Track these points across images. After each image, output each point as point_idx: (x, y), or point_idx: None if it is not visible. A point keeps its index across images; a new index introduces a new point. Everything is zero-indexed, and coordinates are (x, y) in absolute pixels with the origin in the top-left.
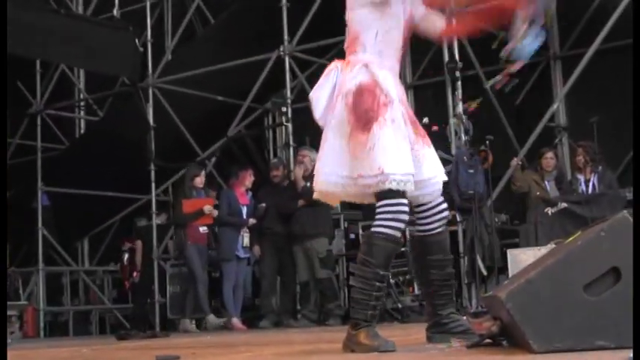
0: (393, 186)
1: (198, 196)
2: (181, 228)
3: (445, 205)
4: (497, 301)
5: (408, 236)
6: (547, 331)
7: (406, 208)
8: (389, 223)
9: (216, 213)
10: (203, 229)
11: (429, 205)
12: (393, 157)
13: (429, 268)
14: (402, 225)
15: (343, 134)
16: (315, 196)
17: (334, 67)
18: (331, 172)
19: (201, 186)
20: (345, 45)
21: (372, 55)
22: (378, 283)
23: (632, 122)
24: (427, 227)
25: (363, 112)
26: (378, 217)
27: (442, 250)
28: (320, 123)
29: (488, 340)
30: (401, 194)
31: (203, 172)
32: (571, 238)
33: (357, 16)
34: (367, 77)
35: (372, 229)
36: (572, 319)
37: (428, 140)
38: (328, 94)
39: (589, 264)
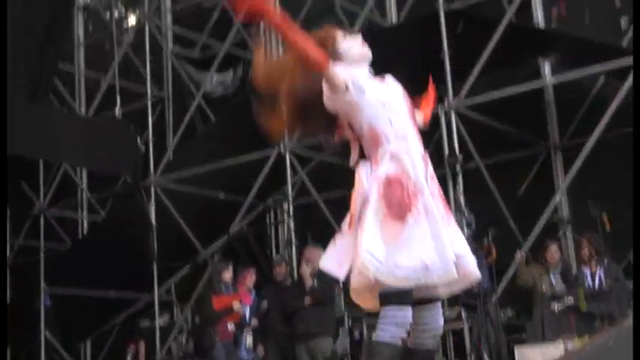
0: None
1: (227, 291)
2: (211, 325)
3: (441, 320)
4: None
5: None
6: None
7: (409, 315)
8: (391, 328)
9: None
10: (231, 327)
11: (427, 319)
12: (430, 249)
13: None
14: (403, 333)
15: (378, 220)
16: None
17: (363, 168)
18: (369, 254)
19: (230, 281)
20: (367, 153)
21: (397, 141)
22: None
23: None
24: (420, 339)
25: (396, 205)
26: (382, 321)
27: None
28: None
29: None
30: (408, 301)
31: (231, 267)
32: (578, 347)
33: (364, 117)
34: (394, 168)
35: (375, 336)
36: None
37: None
38: (363, 193)
39: None
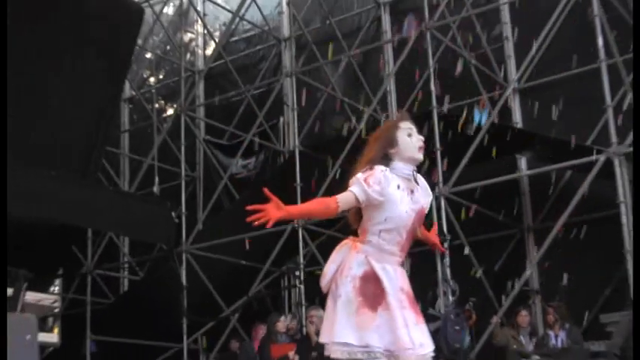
0: None
1: (283, 340)
2: None
3: None
4: None
5: None
6: None
7: None
8: None
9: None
10: None
11: None
12: (404, 333)
13: None
14: None
15: (351, 312)
16: (334, 356)
17: (345, 245)
18: (341, 340)
19: (284, 330)
20: (359, 229)
21: (374, 248)
22: None
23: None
24: None
25: (371, 296)
26: None
27: None
28: (324, 290)
29: None
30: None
31: (283, 318)
32: None
33: (366, 215)
34: (370, 267)
35: None
36: None
37: (421, 319)
38: (335, 268)
39: None
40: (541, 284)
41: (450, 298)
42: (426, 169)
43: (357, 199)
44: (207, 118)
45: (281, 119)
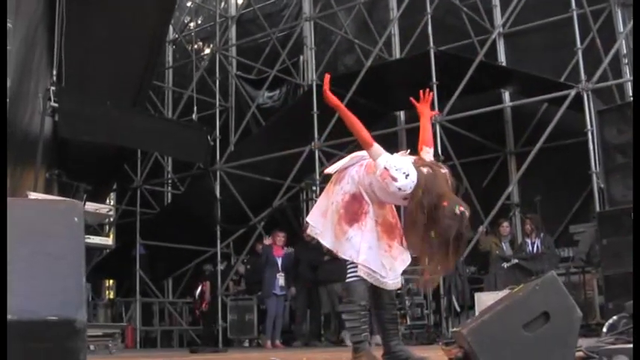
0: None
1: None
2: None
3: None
4: (461, 336)
5: (403, 283)
6: (496, 357)
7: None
8: (357, 273)
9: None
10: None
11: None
12: (362, 253)
13: (379, 310)
14: (364, 275)
15: (334, 217)
16: (308, 232)
17: (362, 158)
18: (324, 238)
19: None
20: (369, 157)
21: (368, 185)
22: (362, 312)
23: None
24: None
25: (352, 213)
26: (349, 270)
27: (389, 297)
28: (328, 171)
29: None
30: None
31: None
32: (516, 290)
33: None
34: (359, 191)
35: (347, 280)
36: (514, 349)
37: (401, 239)
38: (346, 166)
39: (527, 309)
40: (520, 199)
41: None
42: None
43: (373, 158)
44: (239, 56)
45: (301, 57)
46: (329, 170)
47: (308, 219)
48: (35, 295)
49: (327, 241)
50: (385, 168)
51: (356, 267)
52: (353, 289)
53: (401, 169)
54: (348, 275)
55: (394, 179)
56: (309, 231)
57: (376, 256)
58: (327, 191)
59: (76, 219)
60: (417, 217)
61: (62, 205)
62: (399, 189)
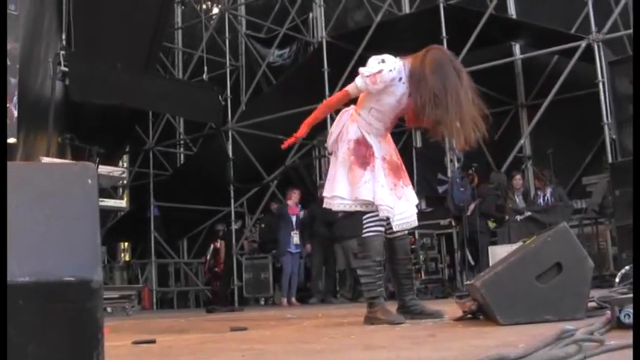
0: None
1: None
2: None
3: (406, 220)
4: (474, 288)
5: (417, 237)
6: (509, 309)
7: (383, 221)
8: (373, 228)
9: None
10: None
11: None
12: (377, 192)
13: (395, 265)
14: (382, 228)
15: (345, 166)
16: (329, 207)
17: (346, 112)
18: (337, 194)
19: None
20: (358, 100)
21: (364, 121)
22: (377, 268)
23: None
24: (393, 235)
25: (362, 157)
26: (365, 225)
27: (404, 252)
28: (329, 149)
29: (469, 315)
30: (376, 209)
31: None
32: (528, 242)
33: (364, 93)
34: (361, 135)
35: (363, 235)
36: (528, 300)
37: (408, 179)
38: (338, 131)
39: (539, 260)
40: (532, 152)
41: (456, 164)
42: None
43: (358, 88)
44: (248, 15)
45: (310, 15)
46: (329, 146)
47: (324, 193)
48: (51, 257)
49: (343, 193)
50: (366, 75)
51: (372, 221)
52: (369, 244)
53: (374, 62)
54: (364, 230)
55: (379, 71)
56: (326, 204)
57: (388, 194)
58: (332, 161)
59: (89, 181)
60: (425, 92)
61: (75, 168)
62: (390, 71)
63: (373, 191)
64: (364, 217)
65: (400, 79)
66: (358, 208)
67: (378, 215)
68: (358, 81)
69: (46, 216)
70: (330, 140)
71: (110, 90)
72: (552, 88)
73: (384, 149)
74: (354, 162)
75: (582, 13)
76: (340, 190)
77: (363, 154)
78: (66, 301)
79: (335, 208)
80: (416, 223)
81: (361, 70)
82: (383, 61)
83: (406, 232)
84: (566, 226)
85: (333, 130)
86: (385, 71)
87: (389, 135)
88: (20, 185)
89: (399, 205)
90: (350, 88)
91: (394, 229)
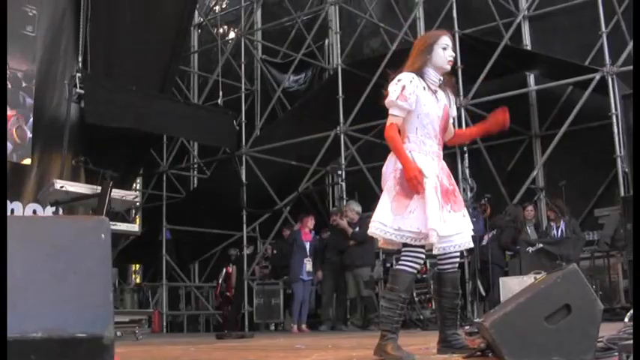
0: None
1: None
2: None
3: (457, 254)
4: (484, 327)
5: (429, 267)
6: (518, 350)
7: (422, 255)
8: (409, 263)
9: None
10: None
11: (446, 255)
12: (430, 219)
13: (441, 297)
14: (418, 266)
15: (390, 197)
16: (370, 231)
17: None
18: (378, 219)
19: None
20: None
21: (415, 143)
22: (400, 304)
23: (596, 182)
24: (442, 267)
25: (407, 187)
26: (403, 257)
27: (452, 286)
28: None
29: (478, 353)
30: (421, 245)
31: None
32: (538, 281)
33: (406, 120)
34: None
35: (397, 266)
36: (536, 341)
37: (459, 207)
38: (385, 168)
39: (549, 301)
40: (545, 183)
41: (469, 193)
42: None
43: (396, 115)
44: (264, 40)
45: (326, 41)
46: (382, 184)
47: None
48: (64, 312)
49: (384, 220)
50: (395, 99)
51: (410, 255)
52: (399, 278)
53: (393, 87)
54: (400, 261)
55: (402, 88)
56: (369, 229)
57: (437, 218)
58: None
59: (103, 235)
60: None
61: (89, 223)
62: (411, 81)
63: (420, 220)
64: (404, 249)
65: (424, 87)
66: (399, 239)
67: (418, 252)
68: (392, 110)
69: (62, 271)
70: (382, 179)
71: (125, 113)
72: (566, 119)
73: (438, 168)
74: (399, 192)
75: (597, 45)
76: (382, 215)
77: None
78: (77, 357)
79: (374, 233)
80: (464, 246)
81: (387, 100)
82: (399, 80)
83: (456, 265)
84: (576, 267)
85: (384, 170)
86: (407, 83)
87: (442, 161)
88: (38, 238)
89: (444, 228)
90: (389, 120)
91: (435, 253)
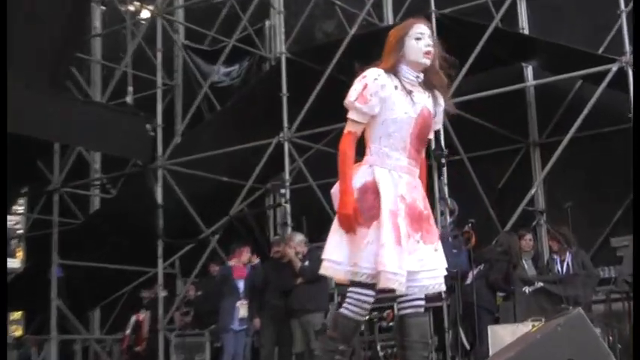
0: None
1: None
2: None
3: (422, 296)
4: None
5: (395, 313)
6: None
7: (370, 299)
8: (352, 307)
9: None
10: None
11: (409, 296)
12: (386, 255)
13: (406, 350)
14: (362, 311)
15: None
16: (321, 272)
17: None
18: (331, 261)
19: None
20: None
21: (377, 156)
22: (338, 356)
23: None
24: (405, 312)
25: (367, 209)
26: (347, 299)
27: (419, 334)
28: None
29: None
30: (371, 286)
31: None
32: (534, 329)
33: (372, 127)
34: (371, 177)
35: (339, 310)
36: None
37: (432, 238)
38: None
39: (547, 356)
40: (546, 204)
41: (448, 218)
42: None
43: (354, 120)
44: (187, 21)
45: (267, 23)
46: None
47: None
48: None
49: (339, 256)
50: (353, 100)
51: (356, 298)
52: (340, 324)
53: (355, 85)
54: (345, 304)
55: (364, 87)
56: (322, 271)
57: (393, 252)
58: None
59: None
60: None
61: None
62: (375, 79)
63: (375, 254)
64: (350, 289)
65: (396, 87)
66: (358, 279)
67: (365, 294)
68: (350, 114)
69: None
70: (335, 204)
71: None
72: (573, 123)
73: (407, 188)
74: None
75: (613, 29)
76: (334, 250)
77: (369, 206)
78: None
79: (327, 273)
80: (433, 289)
81: (346, 101)
82: (363, 76)
83: (422, 308)
84: (581, 311)
85: (333, 192)
86: (370, 82)
87: (418, 179)
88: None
89: (408, 262)
90: (347, 128)
91: (401, 299)
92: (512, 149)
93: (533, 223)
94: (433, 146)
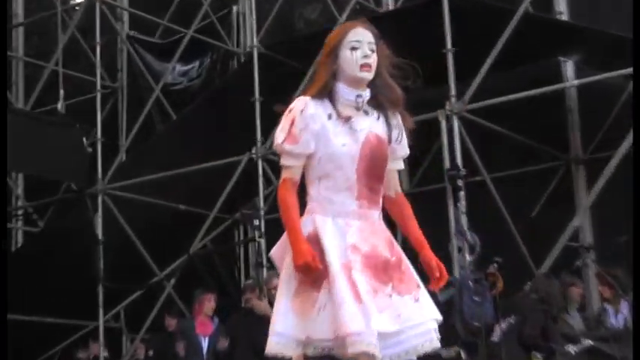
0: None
1: None
2: None
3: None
4: None
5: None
6: None
7: None
8: None
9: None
10: None
11: None
12: (347, 314)
13: None
14: None
15: (289, 293)
16: (267, 351)
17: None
18: (278, 335)
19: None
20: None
21: (317, 202)
22: None
23: None
24: None
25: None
26: None
27: None
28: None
29: None
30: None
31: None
32: None
33: (309, 167)
34: (312, 228)
35: None
36: None
37: (408, 287)
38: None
39: None
40: (595, 238)
41: (468, 256)
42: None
43: (286, 166)
44: (132, 7)
45: (234, 9)
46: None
47: None
48: None
49: (285, 328)
50: (281, 141)
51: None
52: None
53: (282, 120)
54: None
55: (291, 123)
56: (268, 349)
57: (355, 310)
58: None
59: None
60: None
61: None
62: (302, 111)
63: (330, 320)
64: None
65: (330, 115)
66: (312, 352)
67: None
68: (282, 159)
69: None
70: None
71: None
72: (626, 133)
73: (360, 236)
74: (302, 281)
75: None
76: (280, 322)
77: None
78: None
79: (271, 349)
80: (423, 348)
81: (274, 144)
82: (289, 110)
83: None
84: None
85: (273, 253)
86: (297, 115)
87: (379, 219)
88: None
89: (380, 322)
90: (282, 174)
91: None
92: (549, 167)
93: (578, 263)
94: (447, 164)
